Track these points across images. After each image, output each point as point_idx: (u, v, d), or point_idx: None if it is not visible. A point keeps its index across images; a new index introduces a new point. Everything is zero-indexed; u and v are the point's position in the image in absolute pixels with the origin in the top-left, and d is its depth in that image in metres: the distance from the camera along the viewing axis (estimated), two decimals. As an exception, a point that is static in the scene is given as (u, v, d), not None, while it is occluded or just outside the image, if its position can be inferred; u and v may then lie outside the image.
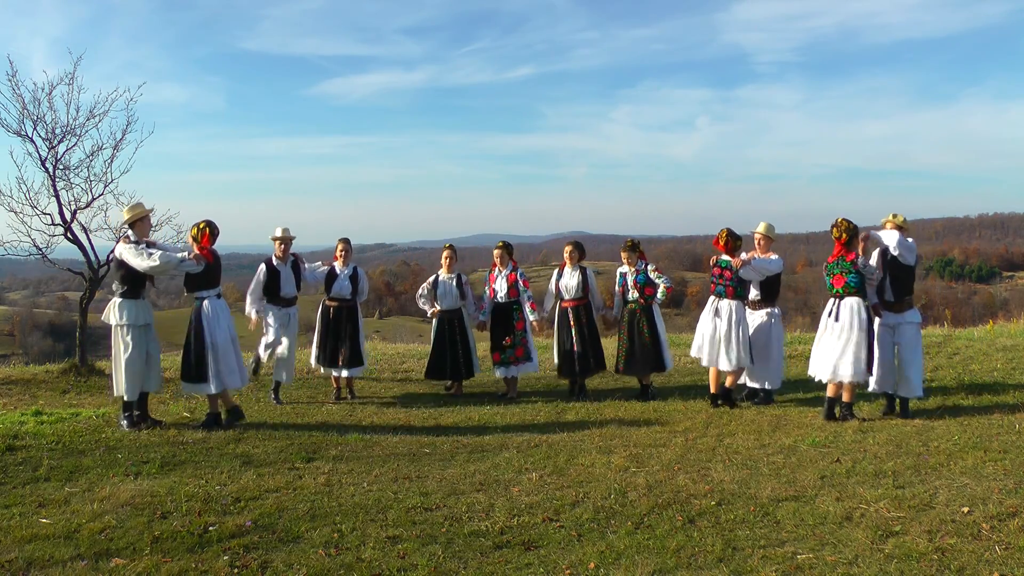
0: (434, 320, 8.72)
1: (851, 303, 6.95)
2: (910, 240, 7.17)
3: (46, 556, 3.94)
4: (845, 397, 7.06)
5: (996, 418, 6.93)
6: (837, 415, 7.07)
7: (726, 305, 7.70)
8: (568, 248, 8.62)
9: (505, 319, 8.56)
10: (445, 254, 8.76)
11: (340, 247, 8.57)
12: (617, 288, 8.56)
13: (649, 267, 8.38)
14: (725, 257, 7.78)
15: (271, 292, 8.13)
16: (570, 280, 8.48)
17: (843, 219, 7.11)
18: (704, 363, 7.91)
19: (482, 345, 9.69)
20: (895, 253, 7.00)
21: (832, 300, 7.10)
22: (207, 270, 6.98)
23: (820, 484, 5.09)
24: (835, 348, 6.98)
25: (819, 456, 5.81)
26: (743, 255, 7.83)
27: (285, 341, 8.20)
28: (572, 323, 8.44)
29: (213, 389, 6.96)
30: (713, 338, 7.73)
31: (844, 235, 7.04)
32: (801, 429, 6.77)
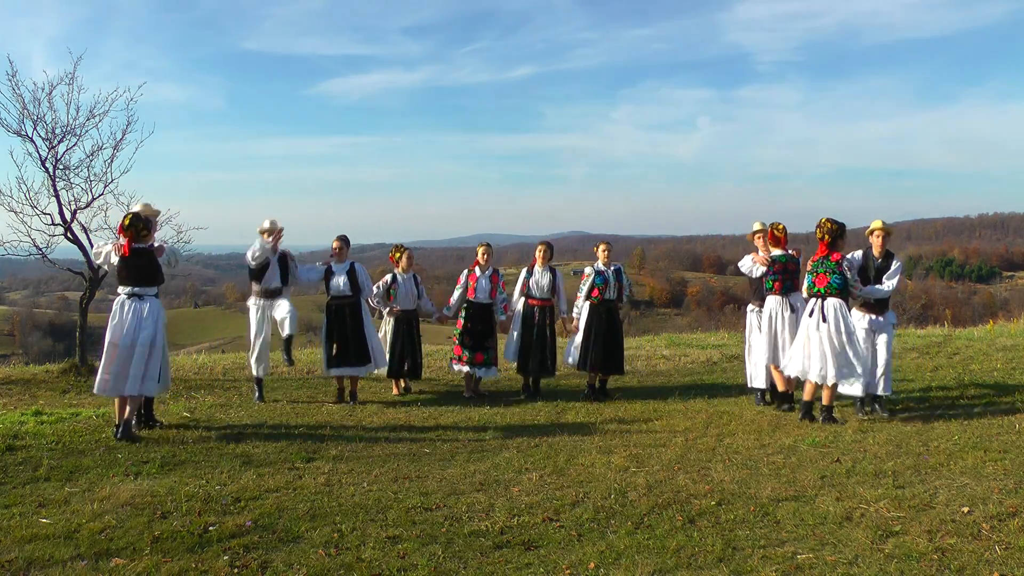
0: (390, 319, 8.71)
1: (834, 304, 6.92)
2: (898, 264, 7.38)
3: (46, 556, 3.94)
4: (826, 399, 7.00)
5: (996, 418, 6.93)
6: (817, 416, 7.00)
7: (798, 300, 7.51)
8: (543, 247, 8.72)
9: (487, 319, 8.61)
10: (406, 255, 8.74)
11: (335, 244, 8.52)
12: (591, 287, 8.36)
13: (621, 268, 8.56)
14: (779, 251, 7.66)
15: (255, 281, 8.09)
16: (541, 278, 8.57)
17: (826, 219, 7.12)
18: (799, 375, 7.22)
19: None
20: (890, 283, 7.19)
21: (814, 300, 7.02)
22: (124, 265, 6.48)
23: (820, 484, 5.09)
24: (821, 350, 6.89)
25: (819, 456, 5.82)
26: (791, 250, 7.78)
27: (262, 334, 8.09)
28: (537, 322, 8.51)
29: (94, 389, 6.57)
30: (807, 338, 7.11)
31: (827, 236, 7.04)
32: (801, 429, 6.77)
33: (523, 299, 8.68)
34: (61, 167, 9.71)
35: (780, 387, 7.69)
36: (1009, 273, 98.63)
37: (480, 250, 8.73)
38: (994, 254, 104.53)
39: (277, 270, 8.16)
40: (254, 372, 8.27)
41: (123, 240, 6.52)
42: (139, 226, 6.53)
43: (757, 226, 7.97)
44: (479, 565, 3.86)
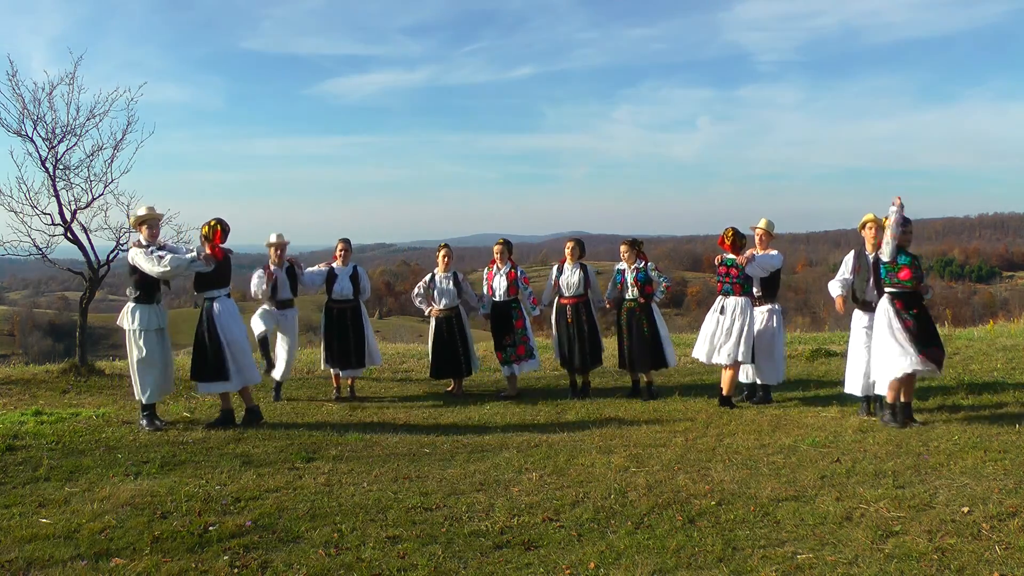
0: (432, 319, 8.72)
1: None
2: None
3: (46, 556, 3.94)
4: (891, 397, 6.74)
5: (996, 418, 6.92)
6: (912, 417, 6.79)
7: (732, 301, 7.67)
8: (570, 244, 8.63)
9: (505, 318, 8.57)
10: (442, 253, 8.73)
11: (340, 247, 8.56)
12: (614, 286, 8.49)
13: (649, 265, 8.41)
14: (730, 256, 7.77)
15: (268, 299, 8.21)
16: (571, 276, 8.49)
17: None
18: (703, 360, 7.86)
19: (481, 344, 9.69)
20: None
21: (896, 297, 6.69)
22: (217, 269, 6.95)
23: (820, 484, 5.09)
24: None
25: (819, 456, 5.81)
26: (745, 252, 7.83)
27: (283, 342, 8.35)
28: (571, 319, 8.46)
29: (234, 386, 7.01)
30: (714, 334, 7.70)
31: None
32: (801, 429, 6.77)
33: (556, 298, 8.67)
34: (61, 167, 9.71)
35: (725, 387, 7.81)
36: (1009, 273, 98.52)
37: (495, 249, 8.73)
38: (994, 254, 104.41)
39: (287, 282, 8.27)
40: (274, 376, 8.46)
41: (213, 245, 6.95)
42: (228, 231, 7.09)
43: (762, 223, 8.00)
44: (479, 565, 3.86)
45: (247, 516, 4.53)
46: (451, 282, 8.63)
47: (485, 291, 8.72)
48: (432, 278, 8.73)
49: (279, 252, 8.29)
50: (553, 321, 8.69)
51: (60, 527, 4.33)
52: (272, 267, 8.25)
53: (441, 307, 8.62)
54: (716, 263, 7.89)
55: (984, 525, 4.26)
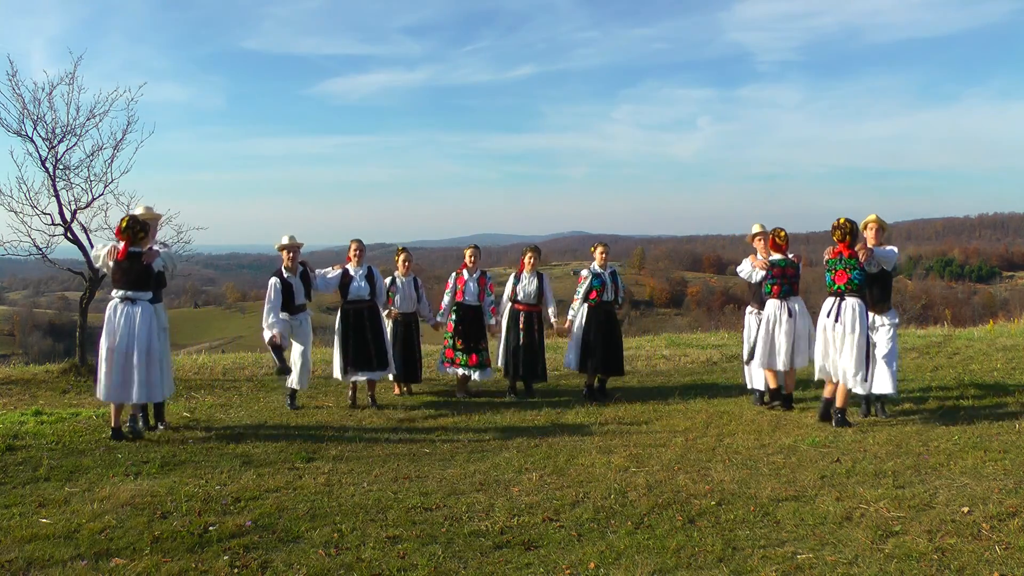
0: (389, 322, 8.60)
1: (852, 303, 6.85)
2: (893, 249, 7.26)
3: (46, 556, 3.94)
4: (839, 402, 6.92)
5: (996, 418, 6.93)
6: (832, 418, 6.94)
7: (796, 304, 7.62)
8: (531, 254, 8.66)
9: (477, 321, 8.58)
10: (402, 257, 8.61)
11: (354, 247, 8.33)
12: (589, 289, 8.38)
13: (616, 270, 8.61)
14: (778, 256, 7.68)
15: (285, 305, 7.79)
16: (529, 285, 8.52)
17: (845, 219, 7.04)
18: (781, 367, 7.59)
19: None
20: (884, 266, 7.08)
21: (832, 299, 6.98)
22: (118, 268, 6.43)
23: (820, 484, 5.09)
24: (837, 350, 6.85)
25: (819, 456, 5.82)
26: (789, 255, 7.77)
27: (298, 348, 7.92)
28: (523, 327, 8.48)
29: (97, 395, 6.53)
30: (797, 338, 7.54)
31: (848, 237, 6.93)
32: (801, 429, 6.77)
33: (511, 304, 8.65)
34: (61, 167, 9.72)
35: (772, 384, 7.74)
36: (1009, 273, 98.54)
37: (467, 253, 8.69)
38: (994, 254, 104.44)
39: (301, 287, 7.98)
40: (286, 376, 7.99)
41: (120, 243, 6.46)
42: (136, 229, 6.45)
43: (756, 228, 7.95)
44: (479, 565, 3.86)
45: (247, 516, 4.53)
46: (412, 287, 8.58)
47: (452, 297, 8.58)
48: (393, 281, 8.61)
49: (292, 255, 7.89)
50: (504, 326, 8.64)
51: (60, 527, 4.33)
52: (286, 274, 7.85)
53: (400, 310, 8.56)
54: (765, 267, 7.65)
55: (984, 525, 4.26)
